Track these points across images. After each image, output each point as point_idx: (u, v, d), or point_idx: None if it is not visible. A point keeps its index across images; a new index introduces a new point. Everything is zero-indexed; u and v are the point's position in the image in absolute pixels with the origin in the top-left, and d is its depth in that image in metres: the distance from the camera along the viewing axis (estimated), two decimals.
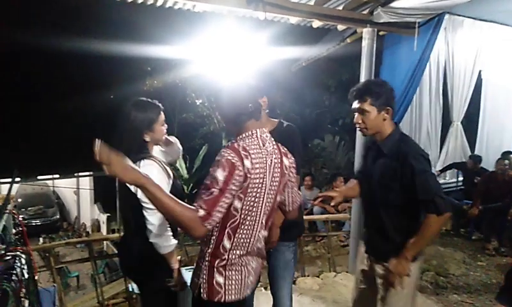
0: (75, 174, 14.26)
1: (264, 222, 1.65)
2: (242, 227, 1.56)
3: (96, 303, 3.30)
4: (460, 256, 4.74)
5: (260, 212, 1.60)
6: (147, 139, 1.94)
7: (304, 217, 6.05)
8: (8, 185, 2.28)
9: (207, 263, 1.59)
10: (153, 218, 1.81)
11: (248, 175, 1.49)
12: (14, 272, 1.62)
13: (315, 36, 5.16)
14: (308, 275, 4.12)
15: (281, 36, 4.98)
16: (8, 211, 2.09)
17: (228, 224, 1.55)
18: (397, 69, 5.21)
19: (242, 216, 1.55)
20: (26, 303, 1.69)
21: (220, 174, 1.44)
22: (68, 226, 15.35)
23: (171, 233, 1.90)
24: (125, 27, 11.15)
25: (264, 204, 1.60)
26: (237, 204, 1.52)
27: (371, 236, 2.14)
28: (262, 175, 1.55)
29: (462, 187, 6.22)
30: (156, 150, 2.09)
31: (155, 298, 2.01)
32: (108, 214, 13.18)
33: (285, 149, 1.73)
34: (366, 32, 3.77)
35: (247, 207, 1.54)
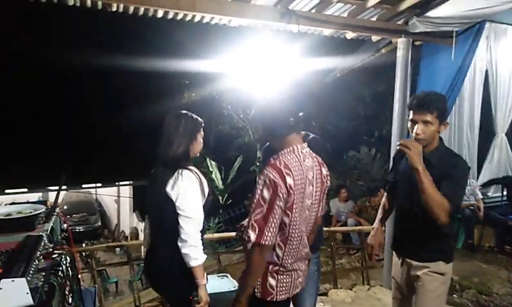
0: (116, 183, 14.90)
1: (307, 229, 1.78)
2: (291, 239, 1.69)
3: (132, 303, 3.43)
4: (505, 275, 4.49)
5: (305, 222, 1.73)
6: (189, 149, 1.99)
7: (339, 228, 6.02)
8: (57, 191, 2.46)
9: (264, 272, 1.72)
10: (189, 227, 1.84)
11: (291, 191, 1.60)
12: (60, 268, 1.74)
13: (350, 47, 5.16)
14: (340, 288, 4.06)
15: (315, 48, 5.01)
16: (55, 213, 2.26)
17: (278, 236, 1.67)
18: (435, 79, 5.09)
19: (291, 229, 1.67)
20: (70, 299, 1.82)
21: (266, 194, 1.58)
22: (109, 234, 15.95)
23: (202, 247, 1.92)
24: (165, 43, 11.63)
25: (307, 215, 1.73)
26: (286, 219, 1.65)
27: (411, 241, 2.15)
28: (303, 187, 1.65)
29: (507, 202, 5.90)
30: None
31: None
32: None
33: (321, 161, 1.83)
34: (401, 42, 3.73)
35: (294, 222, 1.66)
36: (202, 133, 2.06)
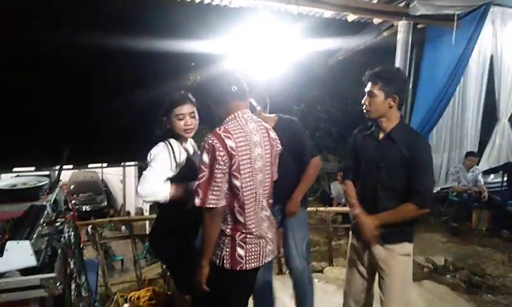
0: (122, 164, 15.07)
1: (265, 192, 1.84)
2: (248, 202, 1.74)
3: (135, 278, 3.57)
4: (499, 257, 4.56)
5: (259, 184, 1.78)
6: (167, 125, 2.13)
7: (338, 209, 6.10)
8: (60, 165, 2.55)
9: (229, 237, 1.77)
10: (146, 171, 2.06)
11: (233, 153, 1.65)
12: (62, 235, 1.85)
13: (353, 30, 5.14)
14: (336, 266, 4.16)
15: (317, 30, 5.00)
16: (59, 186, 2.36)
17: (236, 202, 1.73)
18: (438, 63, 5.07)
19: (245, 192, 1.72)
20: (72, 264, 1.92)
21: (206, 158, 1.65)
22: (114, 213, 16.22)
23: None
24: (169, 25, 11.59)
25: (260, 176, 1.78)
26: (236, 182, 1.69)
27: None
28: (248, 151, 1.72)
29: (507, 187, 5.94)
30: (190, 141, 2.25)
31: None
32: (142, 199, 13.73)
33: (268, 126, 1.93)
34: (401, 25, 3.74)
35: (246, 184, 1.72)
36: (178, 112, 2.08)
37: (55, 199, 2.21)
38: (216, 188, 1.65)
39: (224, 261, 1.75)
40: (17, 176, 2.34)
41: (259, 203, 1.80)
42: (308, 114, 11.07)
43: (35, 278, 1.48)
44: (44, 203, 2.01)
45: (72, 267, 1.90)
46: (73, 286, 1.94)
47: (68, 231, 1.97)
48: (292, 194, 2.42)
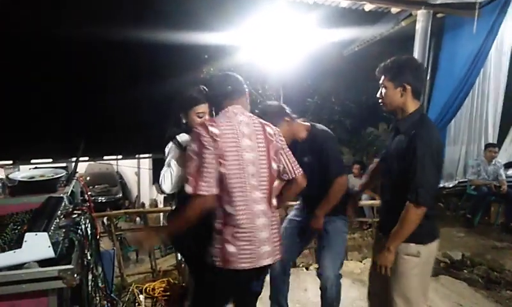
0: (137, 156, 15.23)
1: (261, 186, 1.76)
2: (235, 191, 1.70)
3: (150, 269, 3.61)
4: None
5: (250, 175, 1.73)
6: (183, 120, 2.11)
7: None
8: (76, 157, 2.57)
9: (219, 233, 1.75)
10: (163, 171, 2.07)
11: (217, 139, 1.67)
12: (79, 227, 1.86)
13: (369, 20, 5.03)
14: (351, 260, 4.13)
15: (332, 21, 4.91)
16: (75, 178, 2.38)
17: (225, 191, 1.71)
18: (457, 54, 4.94)
19: (232, 179, 1.70)
20: (89, 256, 1.94)
21: (194, 146, 1.70)
22: (129, 205, 16.42)
23: None
24: (184, 17, 11.58)
25: (251, 168, 1.74)
26: (222, 169, 1.69)
27: (384, 214, 2.17)
28: (234, 140, 1.71)
29: None
30: None
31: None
32: (165, 195, 13.89)
33: (267, 122, 1.88)
34: (421, 14, 3.63)
35: (232, 171, 1.70)
36: (198, 110, 2.05)
37: (72, 191, 2.23)
38: (206, 174, 1.66)
39: (215, 259, 1.73)
40: (35, 168, 2.37)
41: (249, 195, 1.73)
42: (322, 107, 10.95)
43: (53, 269, 1.49)
44: (61, 195, 2.03)
45: (88, 258, 1.92)
46: (90, 277, 1.97)
47: (85, 223, 1.99)
48: (316, 211, 2.41)
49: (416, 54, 3.73)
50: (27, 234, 1.53)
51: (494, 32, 4.53)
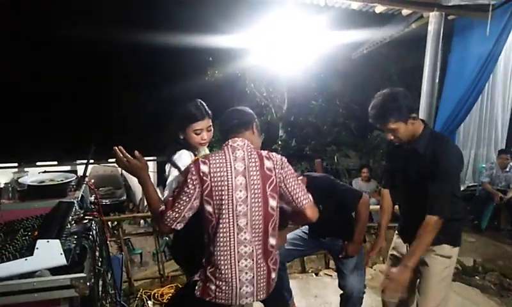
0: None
1: (254, 226, 1.70)
2: (219, 230, 1.68)
3: (158, 274, 3.56)
4: None
5: (241, 215, 1.68)
6: (181, 136, 2.06)
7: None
8: (86, 161, 2.54)
9: (202, 268, 1.76)
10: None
11: (205, 178, 1.67)
12: (90, 233, 1.82)
13: (378, 22, 4.98)
14: None
15: (341, 23, 4.87)
16: (85, 182, 2.34)
17: (210, 229, 1.72)
18: (467, 56, 4.87)
19: (216, 219, 1.69)
20: (99, 262, 1.90)
21: (181, 178, 1.75)
22: (133, 207, 16.38)
23: None
24: (189, 18, 11.60)
25: (242, 208, 1.68)
26: (209, 208, 1.69)
27: (414, 227, 2.07)
28: (224, 178, 1.68)
29: None
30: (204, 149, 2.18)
31: None
32: None
33: (269, 154, 1.79)
34: (433, 16, 3.57)
35: (217, 209, 1.68)
36: (196, 127, 2.01)
37: (82, 196, 2.19)
38: (176, 210, 1.68)
39: (196, 288, 1.75)
40: (44, 172, 2.33)
41: (234, 237, 1.69)
42: (327, 110, 10.91)
43: (65, 278, 1.46)
44: (72, 200, 1.99)
45: (99, 264, 1.88)
46: (100, 283, 1.92)
47: (96, 229, 1.95)
48: (354, 238, 2.51)
49: (428, 57, 3.67)
50: (38, 241, 1.49)
51: (505, 34, 4.45)
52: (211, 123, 2.11)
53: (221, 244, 1.68)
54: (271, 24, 6.09)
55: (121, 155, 1.79)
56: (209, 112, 2.10)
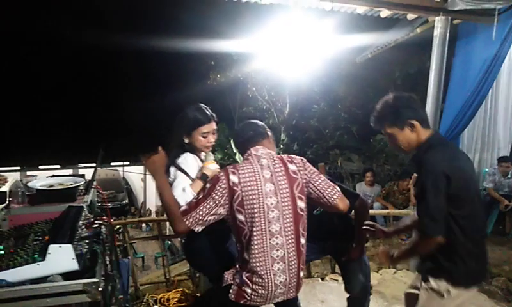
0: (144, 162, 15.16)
1: (286, 229, 1.74)
2: (253, 237, 1.71)
3: (164, 279, 3.55)
4: None
5: (274, 220, 1.72)
6: (186, 140, 2.09)
7: None
8: (95, 165, 2.53)
9: (238, 273, 1.78)
10: None
11: (235, 188, 1.70)
12: (101, 237, 1.82)
13: (382, 27, 4.99)
14: None
15: (345, 27, 4.87)
16: (93, 186, 2.34)
17: (242, 237, 1.74)
18: (471, 61, 4.86)
19: (249, 227, 1.71)
20: (109, 266, 1.89)
21: (208, 185, 1.76)
22: (135, 211, 16.38)
23: None
24: (192, 23, 11.63)
25: (275, 213, 1.72)
26: (241, 217, 1.71)
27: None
28: (255, 187, 1.72)
29: None
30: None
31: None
32: None
33: (290, 157, 1.86)
34: (438, 20, 3.57)
35: (249, 218, 1.71)
36: (203, 130, 2.07)
37: (90, 200, 2.19)
38: (200, 212, 1.69)
39: (231, 291, 1.77)
40: (53, 176, 2.33)
41: (267, 242, 1.72)
42: (329, 114, 10.92)
43: (78, 283, 1.45)
44: (81, 204, 1.99)
45: (110, 269, 1.87)
46: (109, 288, 1.91)
47: (105, 233, 1.95)
48: (355, 240, 2.48)
49: (434, 61, 3.67)
50: (51, 246, 1.48)
51: (510, 39, 4.46)
52: (216, 126, 2.15)
53: (256, 251, 1.71)
54: (274, 29, 6.10)
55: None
56: (214, 115, 2.15)
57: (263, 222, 1.71)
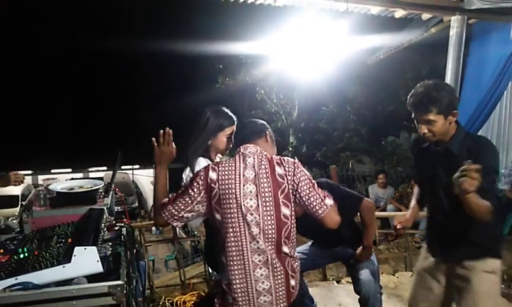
0: (153, 166, 15.26)
1: (267, 235, 1.62)
2: (229, 240, 1.61)
3: (180, 281, 3.54)
4: None
5: (244, 222, 1.61)
6: (209, 142, 2.07)
7: (378, 213, 5.91)
8: (113, 168, 2.54)
9: (220, 280, 1.71)
10: None
11: (213, 185, 1.63)
12: (123, 240, 1.82)
13: (395, 27, 4.94)
14: (382, 273, 4.00)
15: (357, 29, 4.82)
16: (112, 189, 2.34)
17: (219, 238, 1.66)
18: (486, 61, 4.79)
19: (225, 228, 1.62)
20: (131, 269, 1.89)
21: (188, 180, 1.73)
22: (145, 214, 16.45)
23: None
24: (204, 26, 11.67)
25: (254, 217, 1.61)
26: (218, 216, 1.64)
27: (448, 238, 1.99)
28: (232, 185, 1.62)
29: None
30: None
31: None
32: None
33: (281, 159, 1.70)
34: (454, 20, 3.52)
35: (225, 218, 1.62)
36: (228, 132, 2.07)
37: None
38: (176, 208, 1.65)
39: (216, 300, 1.72)
40: (71, 179, 2.34)
41: (246, 245, 1.61)
42: (337, 116, 10.87)
43: (103, 285, 1.45)
44: (102, 207, 1.99)
45: (132, 271, 1.87)
46: (132, 290, 1.91)
47: (127, 235, 1.94)
48: (363, 243, 2.48)
49: (450, 62, 3.61)
50: (76, 248, 1.48)
51: None
52: None
53: (233, 254, 1.62)
54: (285, 31, 6.08)
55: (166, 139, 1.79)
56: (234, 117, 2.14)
57: (241, 223, 1.61)
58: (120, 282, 1.47)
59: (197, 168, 2.00)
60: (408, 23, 4.58)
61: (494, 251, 1.87)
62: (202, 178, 1.64)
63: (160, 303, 3.12)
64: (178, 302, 3.12)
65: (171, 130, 1.79)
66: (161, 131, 1.78)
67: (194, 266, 6.55)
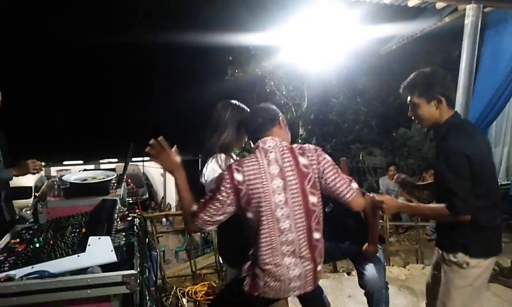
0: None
1: (297, 226, 1.67)
2: (261, 234, 1.67)
3: (190, 272, 3.57)
4: None
5: (273, 218, 1.65)
6: (230, 139, 2.02)
7: None
8: (126, 160, 2.56)
9: (250, 267, 1.76)
10: None
11: (240, 187, 1.64)
12: (136, 230, 1.83)
13: (408, 16, 4.85)
14: (393, 265, 3.99)
15: (369, 18, 4.76)
16: (124, 180, 2.36)
17: (253, 233, 1.70)
18: (501, 51, 4.69)
19: (257, 224, 1.67)
20: (143, 258, 1.91)
21: (214, 185, 1.70)
22: (155, 206, 16.63)
23: None
24: (212, 17, 11.63)
25: (284, 211, 1.65)
26: (249, 214, 1.68)
27: (438, 228, 2.13)
28: (260, 185, 1.64)
29: None
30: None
31: None
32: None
33: (302, 148, 1.73)
34: (470, 8, 3.42)
35: (256, 215, 1.66)
36: None
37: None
38: (208, 214, 1.66)
39: (245, 283, 1.75)
40: (84, 170, 2.37)
41: (277, 239, 1.67)
42: (347, 107, 10.77)
43: (117, 274, 1.46)
44: (115, 197, 2.01)
45: (146, 261, 1.89)
46: (146, 280, 1.93)
47: (139, 226, 1.96)
48: (368, 238, 2.48)
49: (464, 51, 3.51)
50: (91, 238, 1.50)
51: None
52: None
53: (264, 247, 1.68)
54: (296, 22, 6.03)
55: (161, 148, 1.73)
56: None
57: (270, 220, 1.66)
58: (133, 271, 1.48)
59: (221, 163, 1.96)
60: (422, 12, 4.49)
61: (464, 246, 1.86)
62: (228, 181, 1.65)
63: (172, 293, 3.16)
64: (190, 292, 3.15)
65: (161, 137, 1.74)
66: (150, 142, 1.73)
67: (205, 257, 6.62)
